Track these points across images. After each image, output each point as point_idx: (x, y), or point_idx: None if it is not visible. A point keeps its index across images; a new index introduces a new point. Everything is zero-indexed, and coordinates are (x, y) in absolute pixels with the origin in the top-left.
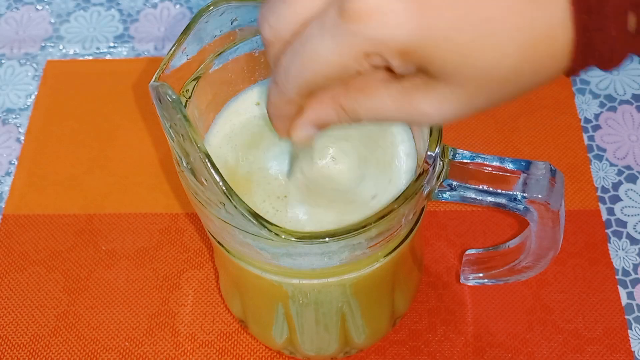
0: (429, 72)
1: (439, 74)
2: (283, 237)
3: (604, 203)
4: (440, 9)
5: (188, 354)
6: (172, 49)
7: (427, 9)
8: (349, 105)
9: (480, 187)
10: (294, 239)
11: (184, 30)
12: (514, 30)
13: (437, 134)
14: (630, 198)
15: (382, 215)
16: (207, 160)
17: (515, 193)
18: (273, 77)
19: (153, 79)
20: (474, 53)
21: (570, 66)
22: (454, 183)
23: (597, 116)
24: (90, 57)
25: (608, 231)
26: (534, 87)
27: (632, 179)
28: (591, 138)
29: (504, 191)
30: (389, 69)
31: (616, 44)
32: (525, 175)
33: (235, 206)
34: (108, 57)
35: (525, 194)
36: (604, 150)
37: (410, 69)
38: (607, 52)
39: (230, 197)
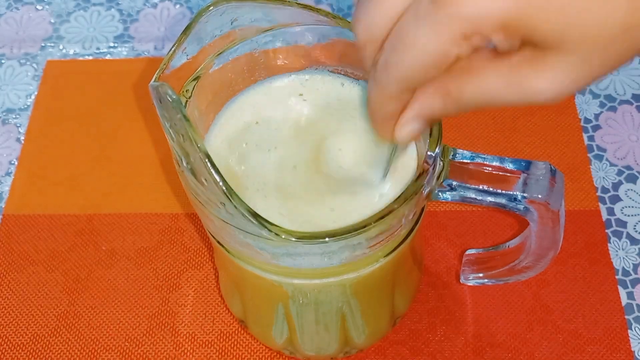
0: (535, 42)
1: (547, 42)
2: (283, 237)
3: (604, 203)
4: None
5: (188, 354)
6: (172, 49)
7: None
8: (454, 89)
9: (480, 187)
10: (294, 239)
11: (184, 30)
12: None
13: (437, 133)
14: (630, 198)
15: (382, 215)
16: (207, 160)
17: (515, 193)
18: (372, 78)
19: (153, 79)
20: (580, 12)
21: None
22: (454, 183)
23: (597, 116)
24: (90, 57)
25: (608, 231)
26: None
27: (632, 179)
28: (591, 138)
29: (504, 191)
30: (493, 50)
31: None
32: (525, 175)
33: (235, 206)
34: (108, 57)
35: (525, 194)
36: (604, 150)
37: (515, 43)
38: None
39: (230, 197)
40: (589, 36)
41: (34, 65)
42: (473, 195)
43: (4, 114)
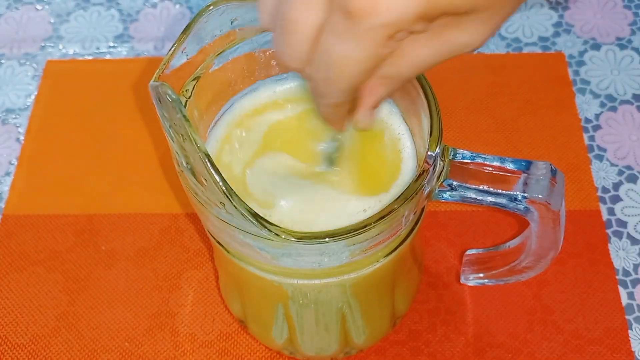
0: (455, 13)
1: (461, 12)
2: (283, 237)
3: (605, 203)
4: None
5: (188, 354)
6: (172, 49)
7: None
8: (394, 73)
9: (481, 187)
10: (294, 239)
11: (183, 30)
12: None
13: (437, 133)
14: (631, 198)
15: (382, 215)
16: (207, 160)
17: (515, 193)
18: (315, 93)
19: (153, 79)
20: None
21: None
22: (454, 183)
23: (597, 116)
24: (90, 57)
25: (608, 231)
26: None
27: (632, 179)
28: (591, 138)
29: (504, 191)
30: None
31: None
32: (526, 175)
33: (235, 206)
34: (108, 57)
35: (525, 194)
36: (605, 150)
37: (430, 22)
38: None
39: (230, 197)
40: None
41: (34, 65)
42: (473, 195)
43: (3, 114)
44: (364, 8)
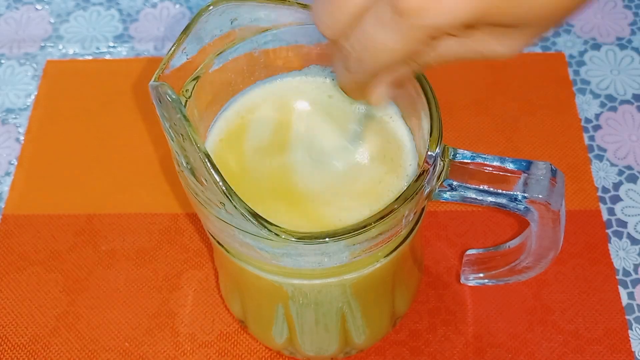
0: (499, 25)
1: (506, 25)
2: (283, 237)
3: (605, 203)
4: None
5: (188, 354)
6: (172, 49)
7: None
8: (419, 60)
9: (481, 187)
10: (294, 239)
11: (183, 30)
12: None
13: (437, 133)
14: (631, 198)
15: (382, 215)
16: (207, 160)
17: (515, 193)
18: (342, 64)
19: (153, 79)
20: (531, 3)
21: None
22: (455, 183)
23: (597, 116)
24: (90, 57)
25: (608, 231)
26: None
27: (632, 179)
28: (592, 138)
29: (504, 191)
30: None
31: None
32: (526, 175)
33: (235, 206)
34: (108, 57)
35: (525, 194)
36: (605, 150)
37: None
38: None
39: (230, 197)
40: (547, 12)
41: (34, 65)
42: (473, 195)
43: (3, 114)
44: (414, 7)
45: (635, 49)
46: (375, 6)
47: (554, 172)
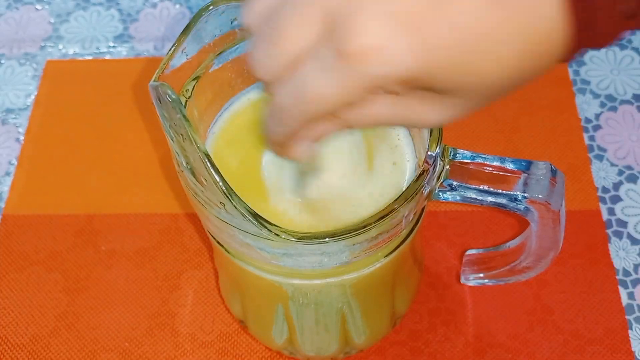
0: (431, 90)
1: (443, 92)
2: (283, 237)
3: (605, 203)
4: (437, 34)
5: (188, 354)
6: (172, 49)
7: (424, 36)
8: (346, 118)
9: (481, 187)
10: (294, 239)
11: (183, 30)
12: (513, 38)
13: (437, 133)
14: (631, 198)
15: (382, 215)
16: (207, 160)
17: (515, 193)
18: (271, 112)
19: (153, 79)
20: (477, 69)
21: (566, 54)
22: (454, 183)
23: (597, 116)
24: (90, 57)
25: (608, 231)
26: (530, 80)
27: (632, 179)
28: (592, 138)
29: (504, 191)
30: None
31: (611, 22)
32: (526, 175)
33: (235, 206)
34: (108, 57)
35: (525, 194)
36: (605, 150)
37: (410, 89)
38: (604, 31)
39: (230, 197)
40: (485, 85)
41: (34, 65)
42: (473, 195)
43: (3, 114)
44: (359, 53)
45: (635, 49)
46: (318, 49)
47: (554, 172)
